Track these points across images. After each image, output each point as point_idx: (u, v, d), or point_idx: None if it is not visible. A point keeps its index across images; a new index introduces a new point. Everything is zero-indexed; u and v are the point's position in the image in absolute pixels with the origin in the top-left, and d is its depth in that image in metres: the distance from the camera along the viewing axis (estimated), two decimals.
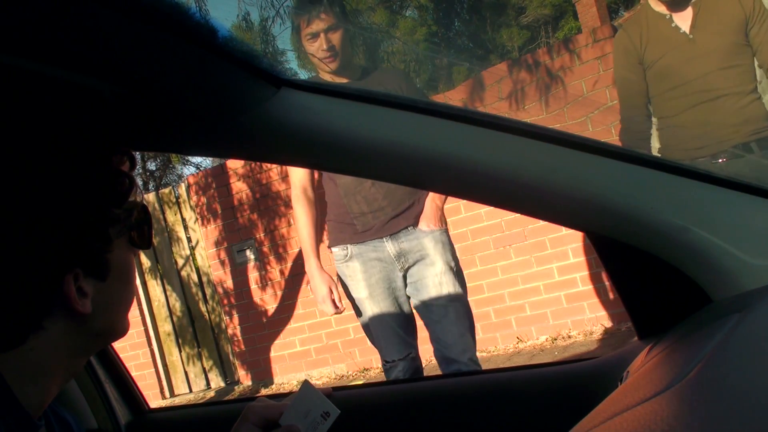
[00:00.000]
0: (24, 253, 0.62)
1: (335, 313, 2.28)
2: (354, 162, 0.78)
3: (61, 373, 0.68)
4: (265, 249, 5.43)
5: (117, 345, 1.10)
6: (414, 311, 2.33)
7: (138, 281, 5.90)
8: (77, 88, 0.65)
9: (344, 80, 2.21)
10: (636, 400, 0.46)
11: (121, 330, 0.73)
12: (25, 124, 0.65)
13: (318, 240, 2.36)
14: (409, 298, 2.30)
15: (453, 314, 2.20)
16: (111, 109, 0.70)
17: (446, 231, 2.30)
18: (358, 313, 2.32)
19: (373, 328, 2.27)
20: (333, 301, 2.24)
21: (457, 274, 2.26)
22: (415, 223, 2.24)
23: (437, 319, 2.20)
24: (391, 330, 2.23)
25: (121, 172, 0.70)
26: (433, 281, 2.21)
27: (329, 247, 2.37)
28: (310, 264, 2.28)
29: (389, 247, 2.24)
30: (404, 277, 2.27)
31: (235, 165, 5.46)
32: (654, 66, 2.45)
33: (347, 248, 2.28)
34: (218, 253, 5.63)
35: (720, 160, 2.32)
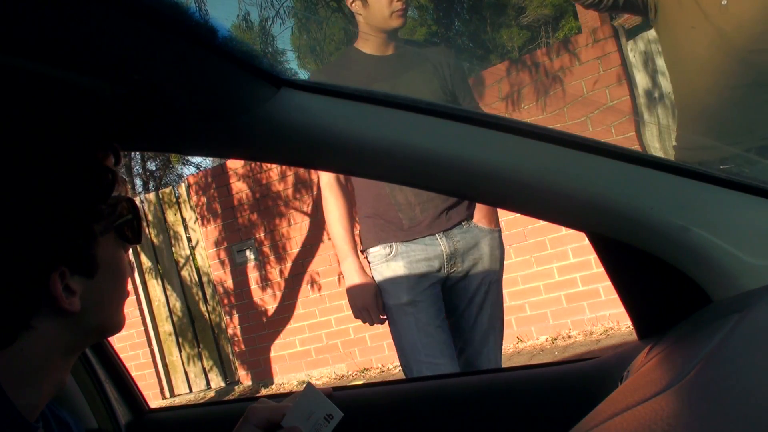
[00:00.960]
0: (7, 252, 0.61)
1: (376, 323, 1.89)
2: (354, 162, 0.78)
3: (55, 373, 0.68)
4: (265, 249, 5.43)
5: (117, 345, 1.10)
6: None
7: (138, 281, 5.91)
8: (59, 83, 0.64)
9: (389, 47, 1.90)
10: (636, 400, 0.46)
11: (115, 325, 0.72)
12: (7, 121, 0.64)
13: (354, 235, 1.96)
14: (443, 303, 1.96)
15: (492, 342, 1.91)
16: (94, 105, 0.70)
17: (500, 232, 1.98)
18: (393, 325, 1.89)
19: (412, 342, 1.83)
20: (376, 310, 1.85)
21: (501, 286, 1.97)
22: (470, 217, 1.90)
23: (478, 346, 1.90)
24: (441, 342, 1.84)
25: (103, 167, 0.69)
26: (480, 296, 1.90)
27: (364, 249, 1.96)
28: (349, 265, 1.88)
29: (443, 245, 1.86)
30: (445, 280, 1.90)
31: (235, 165, 5.46)
32: (671, 30, 2.03)
33: (392, 246, 1.88)
34: (218, 253, 5.63)
35: (728, 166, 1.96)
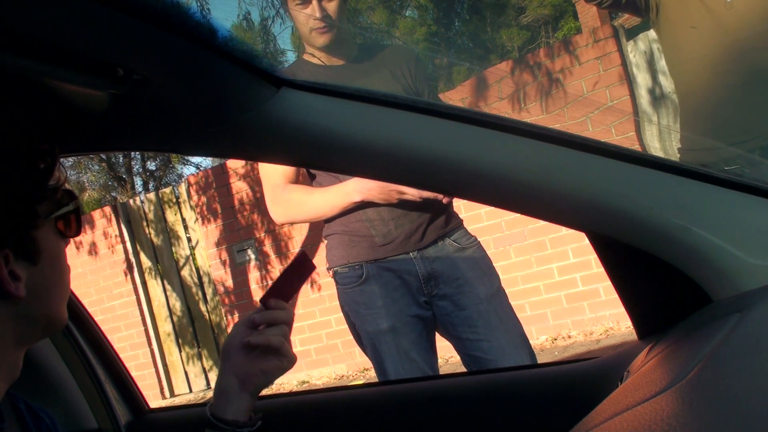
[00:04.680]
0: None
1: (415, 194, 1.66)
2: (354, 162, 0.78)
3: (6, 365, 0.67)
4: (266, 249, 5.43)
5: (117, 345, 1.10)
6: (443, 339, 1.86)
7: (138, 281, 5.91)
8: None
9: (337, 60, 1.79)
10: (636, 400, 0.46)
11: (59, 321, 0.72)
12: None
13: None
14: (434, 329, 1.83)
15: (507, 344, 1.74)
16: (32, 92, 0.69)
17: (479, 244, 1.85)
18: (373, 351, 1.77)
19: (395, 369, 1.74)
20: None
21: (502, 293, 1.81)
22: (445, 235, 1.78)
23: (492, 357, 1.73)
24: (425, 366, 1.75)
25: (41, 149, 0.69)
26: (477, 311, 1.75)
27: (330, 268, 1.82)
28: (348, 186, 1.70)
29: (418, 265, 1.74)
30: (427, 304, 1.78)
31: (235, 165, 5.46)
32: (673, 29, 1.99)
33: (361, 267, 1.75)
34: (218, 253, 5.63)
35: (733, 167, 1.90)
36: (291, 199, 1.79)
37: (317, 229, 5.16)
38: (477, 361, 1.76)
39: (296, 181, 1.84)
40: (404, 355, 1.74)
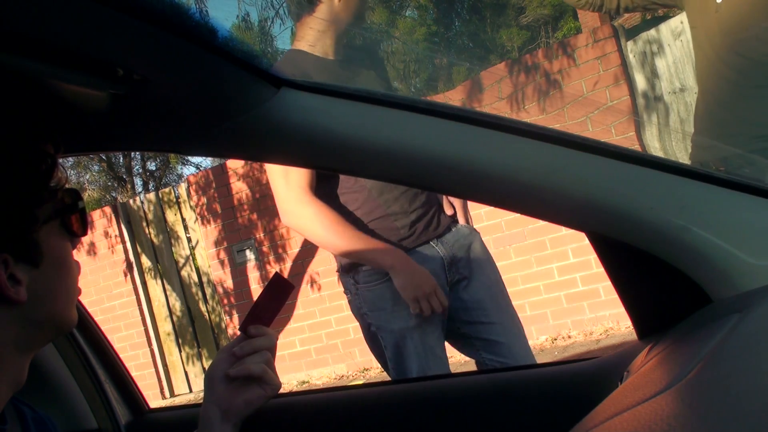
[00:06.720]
0: None
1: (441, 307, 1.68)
2: (354, 162, 0.78)
3: (10, 371, 0.66)
4: (265, 249, 5.43)
5: (117, 345, 1.10)
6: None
7: (138, 281, 5.91)
8: None
9: (336, 52, 1.78)
10: (636, 400, 0.46)
11: (67, 322, 0.70)
12: None
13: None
14: (447, 318, 1.80)
15: (514, 327, 1.80)
16: (33, 92, 0.69)
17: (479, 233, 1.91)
18: (396, 349, 1.73)
19: (421, 367, 1.70)
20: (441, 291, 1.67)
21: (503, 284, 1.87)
22: (454, 220, 1.81)
23: (504, 340, 1.76)
24: (446, 362, 1.75)
25: (42, 151, 0.67)
26: (489, 295, 1.78)
27: (350, 268, 1.76)
28: (400, 255, 1.66)
29: (441, 252, 1.74)
30: (449, 291, 1.76)
31: (235, 165, 5.46)
32: (692, 21, 2.10)
33: None
34: (218, 253, 5.63)
35: (721, 168, 1.96)
36: (318, 214, 1.68)
37: None
38: (490, 345, 1.78)
39: (313, 183, 1.72)
40: (430, 352, 1.71)
